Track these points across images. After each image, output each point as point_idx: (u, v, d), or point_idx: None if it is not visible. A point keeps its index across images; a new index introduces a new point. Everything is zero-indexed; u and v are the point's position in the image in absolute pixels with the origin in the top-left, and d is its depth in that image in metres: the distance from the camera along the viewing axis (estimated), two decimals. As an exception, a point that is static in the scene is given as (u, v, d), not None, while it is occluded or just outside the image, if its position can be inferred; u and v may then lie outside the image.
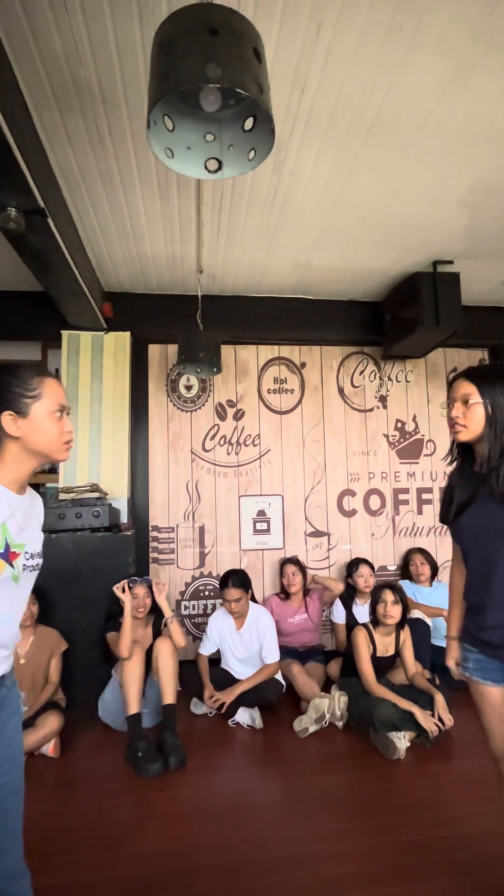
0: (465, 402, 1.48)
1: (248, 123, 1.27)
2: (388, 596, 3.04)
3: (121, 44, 1.84)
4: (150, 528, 4.15)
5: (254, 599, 3.47)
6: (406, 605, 3.12)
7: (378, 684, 2.94)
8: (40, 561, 1.33)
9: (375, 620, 3.10)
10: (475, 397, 1.46)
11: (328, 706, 2.99)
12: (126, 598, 2.98)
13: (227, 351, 4.21)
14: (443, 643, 3.58)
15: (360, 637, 3.07)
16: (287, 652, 3.59)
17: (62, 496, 3.62)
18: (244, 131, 1.28)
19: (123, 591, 3.02)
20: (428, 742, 2.77)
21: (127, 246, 3.29)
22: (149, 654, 3.02)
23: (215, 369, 3.26)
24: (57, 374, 4.34)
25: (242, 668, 3.34)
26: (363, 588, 3.77)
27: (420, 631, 3.38)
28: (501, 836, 2.06)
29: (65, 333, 3.89)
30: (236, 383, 4.36)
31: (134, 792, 2.45)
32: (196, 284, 3.64)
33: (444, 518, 1.66)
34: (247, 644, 3.33)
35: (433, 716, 2.80)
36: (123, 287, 3.91)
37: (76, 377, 3.89)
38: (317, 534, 4.32)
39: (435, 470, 4.53)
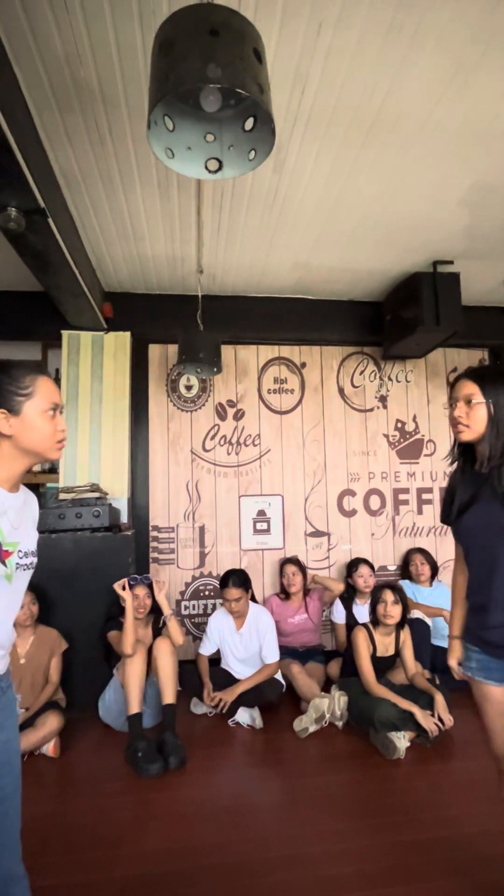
0: (468, 402, 1.48)
1: (249, 124, 1.27)
2: (388, 596, 3.04)
3: (121, 44, 1.84)
4: (150, 528, 4.15)
5: (254, 599, 3.47)
6: (406, 605, 3.12)
7: (378, 684, 2.95)
8: (35, 560, 1.33)
9: (375, 620, 3.11)
10: (478, 397, 1.47)
11: (328, 706, 2.99)
12: (127, 596, 2.98)
13: (227, 351, 4.21)
14: (443, 643, 3.61)
15: (360, 637, 3.07)
16: (287, 652, 3.59)
17: (62, 496, 3.62)
18: (244, 131, 1.28)
19: (124, 588, 3.02)
20: (428, 742, 2.77)
21: (127, 246, 3.29)
22: (149, 654, 3.01)
23: (215, 369, 3.26)
24: (57, 374, 4.34)
25: (242, 668, 3.34)
26: (363, 588, 3.77)
27: (420, 631, 3.38)
28: (501, 836, 2.06)
29: (65, 333, 3.89)
30: (236, 383, 4.36)
31: (134, 792, 2.45)
32: (196, 284, 3.64)
33: (445, 518, 1.67)
34: (247, 644, 3.33)
35: (433, 716, 2.80)
36: (123, 287, 3.91)
37: (76, 377, 3.89)
38: (317, 534, 4.32)
39: (435, 470, 4.53)
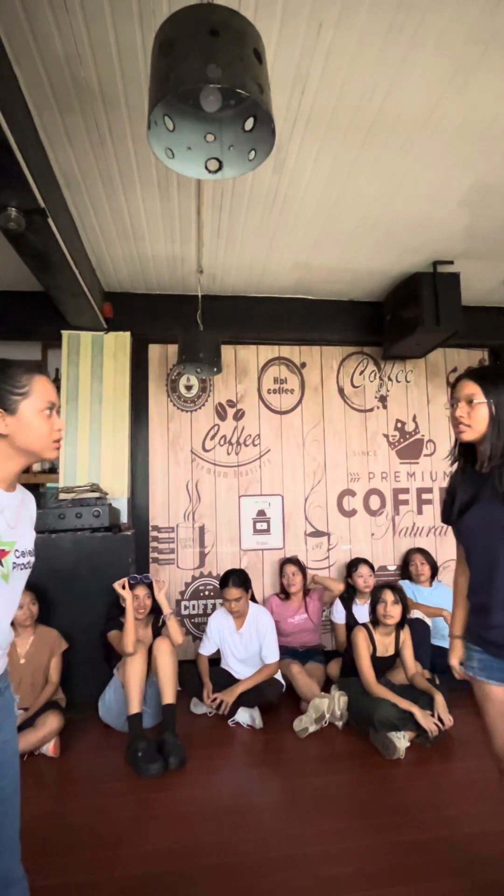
0: (470, 402, 1.49)
1: (249, 124, 1.27)
2: (388, 596, 3.04)
3: (121, 44, 1.84)
4: (150, 528, 4.15)
5: (254, 599, 3.47)
6: (406, 605, 3.12)
7: (378, 684, 2.95)
8: (32, 560, 1.33)
9: (375, 620, 3.11)
10: (479, 397, 1.48)
11: (328, 706, 2.99)
12: (126, 595, 2.98)
13: (227, 351, 4.21)
14: (442, 643, 3.61)
15: (360, 637, 3.07)
16: (287, 652, 3.59)
17: (62, 496, 3.62)
18: (244, 131, 1.28)
19: (124, 587, 3.02)
20: (428, 742, 2.77)
21: (127, 246, 3.29)
22: (149, 655, 3.01)
23: (215, 369, 3.26)
24: (57, 374, 4.34)
25: (242, 668, 3.34)
26: (363, 588, 3.77)
27: (420, 631, 3.38)
28: (501, 836, 2.06)
29: (65, 333, 3.89)
30: (236, 383, 4.36)
31: (134, 792, 2.45)
32: (196, 284, 3.64)
33: (446, 518, 1.67)
34: (247, 644, 3.33)
35: (433, 716, 2.80)
36: (123, 287, 3.91)
37: (76, 377, 3.89)
38: (317, 534, 4.32)
39: (435, 470, 4.53)
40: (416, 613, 3.51)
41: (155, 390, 4.27)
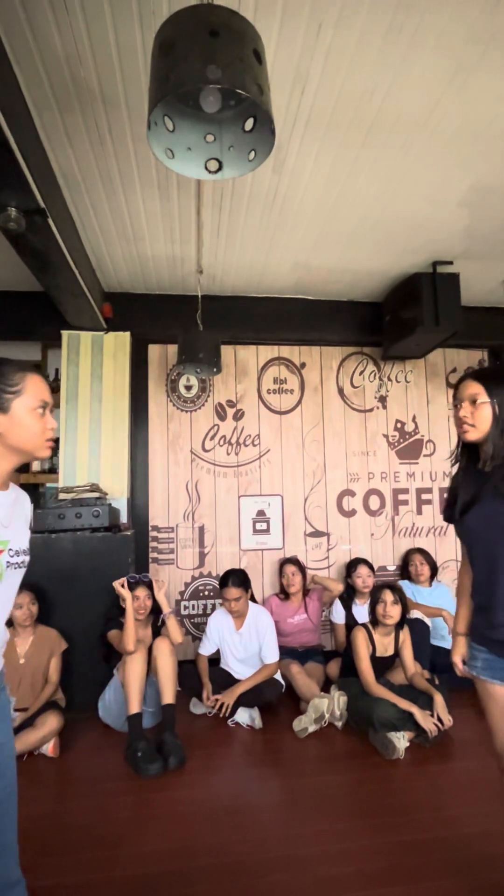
0: (473, 402, 1.51)
1: (249, 124, 1.27)
2: (388, 596, 3.04)
3: (121, 44, 1.84)
4: (150, 528, 4.15)
5: (253, 599, 3.47)
6: (405, 605, 3.12)
7: (377, 684, 2.95)
8: (27, 558, 1.33)
9: (375, 620, 3.11)
10: (483, 397, 1.49)
11: (327, 706, 2.99)
12: (126, 594, 2.98)
13: (226, 351, 4.22)
14: (442, 643, 3.61)
15: (360, 637, 3.07)
16: (286, 652, 3.59)
17: (62, 496, 3.62)
18: (244, 132, 1.28)
19: (123, 586, 3.02)
20: (427, 742, 2.77)
21: (127, 246, 3.29)
22: (148, 654, 3.01)
23: (215, 369, 3.26)
24: (57, 374, 4.35)
25: (242, 668, 3.34)
26: (361, 588, 3.77)
27: (419, 631, 3.38)
28: (501, 836, 2.06)
29: (65, 333, 3.89)
30: (236, 383, 4.36)
31: (133, 792, 2.45)
32: (196, 284, 3.64)
33: (448, 517, 1.68)
34: (246, 644, 3.33)
35: (432, 716, 2.81)
36: (123, 287, 3.91)
37: (76, 377, 3.89)
38: (316, 534, 4.32)
39: (434, 470, 4.53)
40: (415, 613, 3.51)
41: (155, 390, 4.27)
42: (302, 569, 3.87)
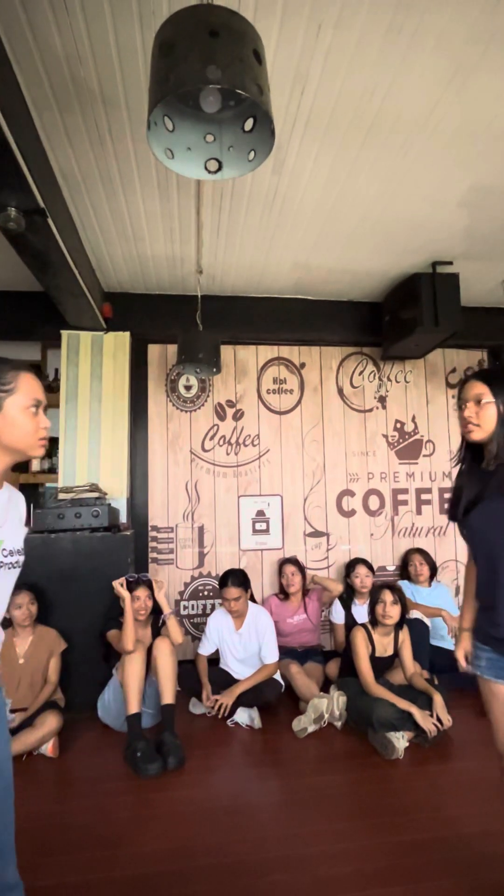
0: (478, 402, 1.52)
1: (248, 124, 1.27)
2: (387, 596, 3.05)
3: (121, 44, 1.84)
4: (150, 528, 4.15)
5: (253, 600, 3.47)
6: (405, 605, 3.12)
7: (377, 684, 2.95)
8: (21, 558, 1.32)
9: (374, 620, 3.11)
10: (488, 397, 1.50)
11: (327, 706, 2.99)
12: (125, 594, 2.98)
13: (226, 351, 4.22)
14: (441, 643, 3.61)
15: (359, 637, 3.07)
16: (286, 652, 3.59)
17: (61, 496, 3.62)
18: (244, 132, 1.29)
19: (122, 586, 3.02)
20: (426, 742, 2.77)
21: (127, 246, 3.30)
22: (148, 654, 3.01)
23: (215, 369, 3.26)
24: (56, 374, 4.35)
25: (241, 668, 3.34)
26: (360, 588, 3.77)
27: (419, 631, 3.38)
28: (501, 836, 2.06)
29: (64, 333, 3.89)
30: (236, 383, 4.36)
31: (133, 792, 2.45)
32: (196, 284, 3.64)
33: (452, 516, 1.68)
34: (246, 644, 3.33)
35: (432, 716, 2.81)
36: (123, 287, 3.91)
37: (76, 377, 3.89)
38: (316, 534, 4.33)
39: (434, 470, 4.53)
40: (414, 613, 3.51)
41: (154, 390, 4.27)
42: (301, 569, 3.87)
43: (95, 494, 3.55)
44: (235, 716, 3.15)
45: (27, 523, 1.41)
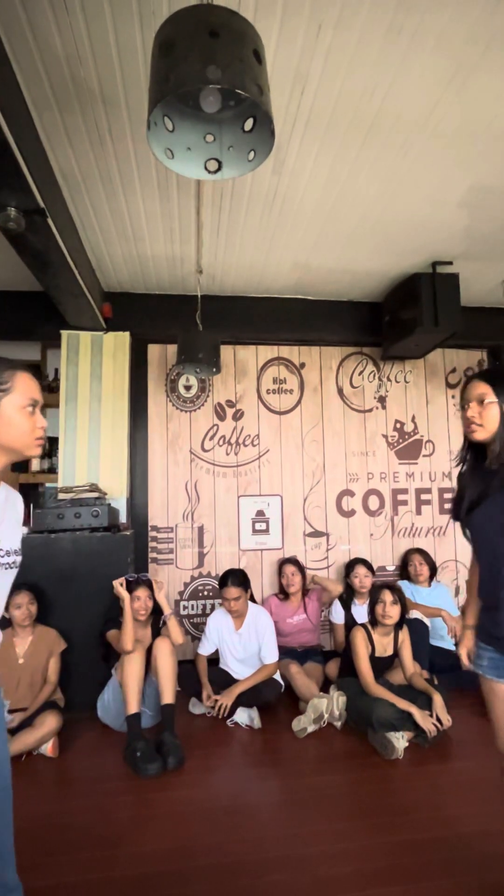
0: (481, 402, 1.52)
1: (248, 124, 1.27)
2: (387, 596, 3.05)
3: (121, 44, 1.84)
4: (149, 528, 4.15)
5: (253, 599, 3.47)
6: (404, 605, 3.12)
7: (376, 684, 2.95)
8: (19, 559, 1.32)
9: (374, 621, 3.11)
10: (490, 397, 1.51)
11: (327, 706, 2.99)
12: (124, 595, 2.98)
13: (226, 351, 4.22)
14: (441, 643, 3.61)
15: (359, 637, 3.07)
16: (286, 652, 3.59)
17: (61, 496, 3.62)
18: (244, 132, 1.29)
19: (122, 586, 3.02)
20: (426, 742, 2.77)
21: (127, 246, 3.30)
22: (148, 654, 3.01)
23: (214, 369, 3.26)
24: (56, 374, 4.34)
25: (241, 668, 3.34)
26: (359, 588, 3.77)
27: (418, 631, 3.38)
28: (501, 836, 2.06)
29: (64, 333, 3.89)
30: (235, 383, 4.36)
31: (132, 792, 2.44)
32: (196, 284, 3.64)
33: (456, 515, 1.69)
34: (245, 644, 3.33)
35: (431, 716, 2.81)
36: (123, 287, 3.91)
37: (75, 377, 3.89)
38: (316, 534, 4.33)
39: (434, 471, 4.53)
40: (414, 614, 3.51)
41: (154, 390, 4.27)
42: (301, 569, 3.87)
43: (95, 494, 3.55)
44: (235, 716, 3.15)
45: (26, 523, 1.41)
